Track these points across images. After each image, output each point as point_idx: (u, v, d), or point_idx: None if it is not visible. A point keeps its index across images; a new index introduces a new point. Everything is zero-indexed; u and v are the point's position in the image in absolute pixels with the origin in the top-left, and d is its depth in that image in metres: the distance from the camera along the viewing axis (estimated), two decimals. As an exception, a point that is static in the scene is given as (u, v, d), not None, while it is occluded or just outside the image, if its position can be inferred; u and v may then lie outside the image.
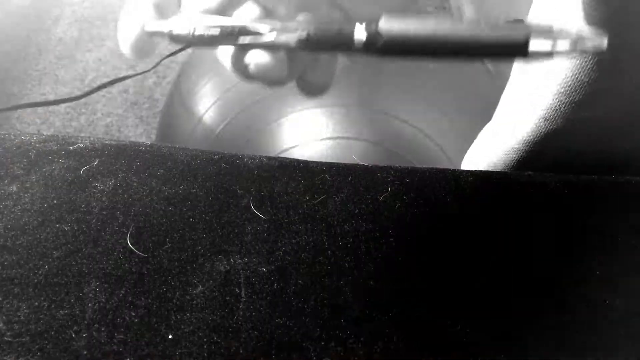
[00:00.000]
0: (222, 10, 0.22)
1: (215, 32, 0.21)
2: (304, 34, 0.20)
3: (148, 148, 0.32)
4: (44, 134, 0.33)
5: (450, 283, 0.27)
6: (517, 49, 0.18)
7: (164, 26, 0.23)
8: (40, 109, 1.18)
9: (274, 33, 0.21)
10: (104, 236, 0.27)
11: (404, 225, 0.29)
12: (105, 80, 1.18)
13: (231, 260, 0.27)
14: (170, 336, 0.24)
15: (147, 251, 0.27)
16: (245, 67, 0.22)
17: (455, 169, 0.32)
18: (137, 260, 0.26)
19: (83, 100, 1.14)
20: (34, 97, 1.19)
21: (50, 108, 1.18)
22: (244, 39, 0.21)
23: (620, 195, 0.31)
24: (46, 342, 0.24)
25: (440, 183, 0.31)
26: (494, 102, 0.48)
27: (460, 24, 0.18)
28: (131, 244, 0.27)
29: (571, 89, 0.33)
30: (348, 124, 0.54)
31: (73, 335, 0.24)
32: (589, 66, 0.32)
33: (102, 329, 0.24)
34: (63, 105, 1.17)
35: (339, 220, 0.28)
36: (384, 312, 0.25)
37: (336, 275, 0.26)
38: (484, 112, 0.56)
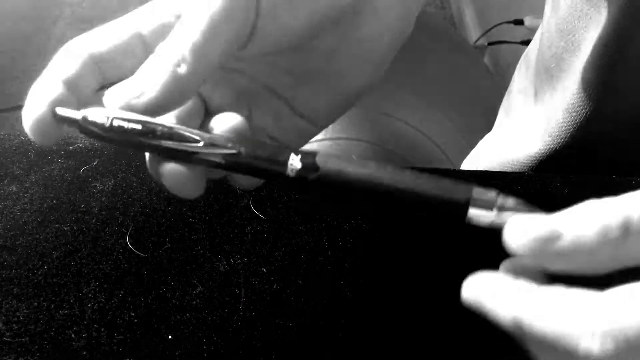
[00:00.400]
0: (153, 111, 0.19)
1: (137, 126, 0.18)
2: (232, 151, 0.18)
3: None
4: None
5: (452, 282, 0.26)
6: (454, 212, 0.17)
7: (76, 113, 0.19)
8: (39, 110, 1.17)
9: (201, 144, 0.19)
10: (103, 236, 0.27)
11: (404, 225, 0.29)
12: (105, 80, 1.18)
13: (231, 260, 0.27)
14: (170, 336, 0.24)
15: (147, 251, 0.27)
16: (159, 175, 0.20)
17: (455, 169, 0.32)
18: (136, 260, 0.26)
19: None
20: (33, 98, 1.19)
21: (50, 108, 1.17)
22: (167, 143, 0.18)
23: (621, 193, 0.31)
24: (45, 342, 0.24)
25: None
26: (494, 102, 0.48)
27: (400, 173, 0.17)
28: (130, 244, 0.27)
29: (575, 106, 0.33)
30: (348, 124, 0.54)
31: (72, 336, 0.24)
32: (592, 87, 0.31)
33: (102, 330, 0.24)
34: (62, 106, 1.16)
35: (339, 220, 0.28)
36: (386, 312, 0.25)
37: (336, 275, 0.26)
38: (484, 112, 0.56)
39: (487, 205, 0.17)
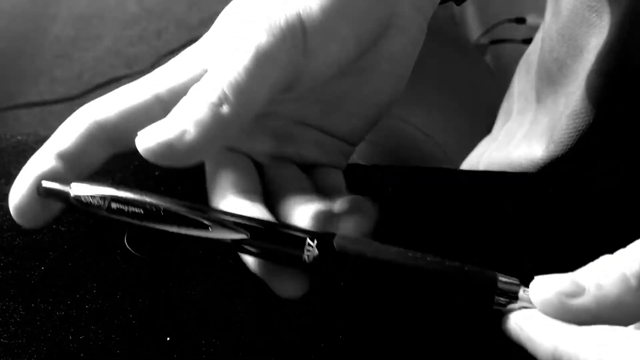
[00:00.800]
0: (195, 153, 0.17)
1: (138, 210, 0.17)
2: (243, 236, 0.17)
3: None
4: (40, 134, 0.32)
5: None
6: (479, 301, 0.17)
7: (65, 188, 0.17)
8: (36, 109, 1.18)
9: (209, 230, 0.17)
10: (101, 237, 0.27)
11: (404, 225, 0.28)
12: (103, 79, 1.18)
13: (230, 260, 0.26)
14: (168, 338, 0.24)
15: (145, 252, 0.26)
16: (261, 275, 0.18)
17: (455, 169, 0.32)
18: (134, 261, 0.26)
19: (80, 99, 1.13)
20: (31, 97, 1.19)
21: (47, 107, 1.18)
22: (172, 229, 0.17)
23: (621, 194, 0.31)
24: (42, 343, 0.23)
25: (441, 183, 0.30)
26: (495, 101, 0.47)
27: (423, 260, 0.17)
28: (128, 245, 0.27)
29: (578, 112, 0.33)
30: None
31: (70, 337, 0.24)
32: (596, 93, 0.31)
33: (99, 331, 0.24)
34: (60, 105, 1.16)
35: (339, 220, 0.28)
36: (385, 314, 0.25)
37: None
38: (485, 110, 0.56)
39: (511, 295, 0.17)
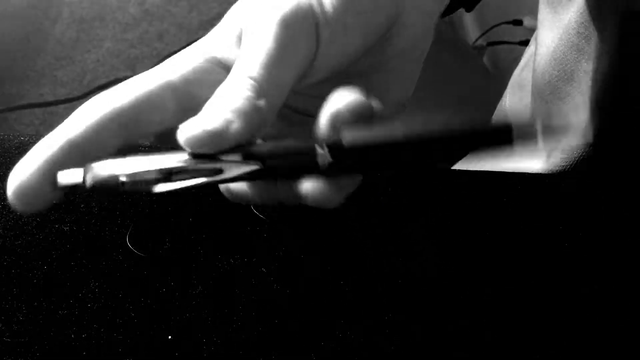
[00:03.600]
0: (239, 141, 0.17)
1: (151, 175, 0.17)
2: (255, 167, 0.17)
3: (147, 148, 0.32)
4: (42, 135, 0.32)
5: (451, 282, 0.26)
6: (500, 142, 0.16)
7: (79, 174, 0.17)
8: (38, 110, 1.18)
9: (225, 173, 0.17)
10: (103, 237, 0.27)
11: (404, 224, 0.29)
12: (104, 80, 1.18)
13: (231, 260, 0.27)
14: (169, 337, 0.24)
15: (147, 251, 0.27)
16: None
17: (455, 169, 0.32)
18: (136, 260, 0.26)
19: (81, 101, 1.13)
20: (33, 98, 1.19)
21: (49, 109, 1.18)
22: (185, 183, 0.17)
23: (621, 195, 0.31)
24: (45, 342, 0.24)
25: (441, 183, 0.31)
26: (493, 103, 0.47)
27: (432, 118, 0.16)
28: (130, 245, 0.27)
29: (573, 137, 0.33)
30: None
31: (72, 336, 0.24)
32: (591, 116, 0.31)
33: (102, 330, 0.24)
34: (62, 106, 1.17)
35: (339, 220, 0.28)
36: (385, 312, 0.25)
37: (336, 275, 0.26)
38: (484, 112, 0.56)
39: (529, 134, 0.16)
